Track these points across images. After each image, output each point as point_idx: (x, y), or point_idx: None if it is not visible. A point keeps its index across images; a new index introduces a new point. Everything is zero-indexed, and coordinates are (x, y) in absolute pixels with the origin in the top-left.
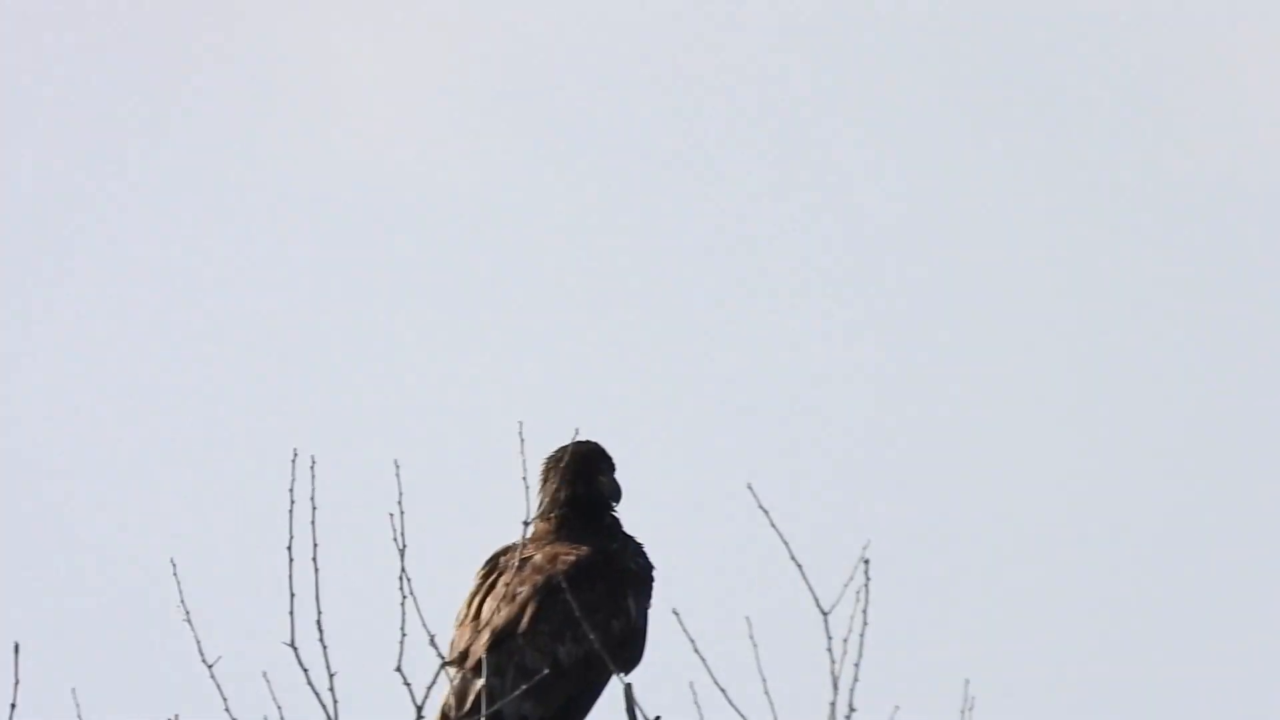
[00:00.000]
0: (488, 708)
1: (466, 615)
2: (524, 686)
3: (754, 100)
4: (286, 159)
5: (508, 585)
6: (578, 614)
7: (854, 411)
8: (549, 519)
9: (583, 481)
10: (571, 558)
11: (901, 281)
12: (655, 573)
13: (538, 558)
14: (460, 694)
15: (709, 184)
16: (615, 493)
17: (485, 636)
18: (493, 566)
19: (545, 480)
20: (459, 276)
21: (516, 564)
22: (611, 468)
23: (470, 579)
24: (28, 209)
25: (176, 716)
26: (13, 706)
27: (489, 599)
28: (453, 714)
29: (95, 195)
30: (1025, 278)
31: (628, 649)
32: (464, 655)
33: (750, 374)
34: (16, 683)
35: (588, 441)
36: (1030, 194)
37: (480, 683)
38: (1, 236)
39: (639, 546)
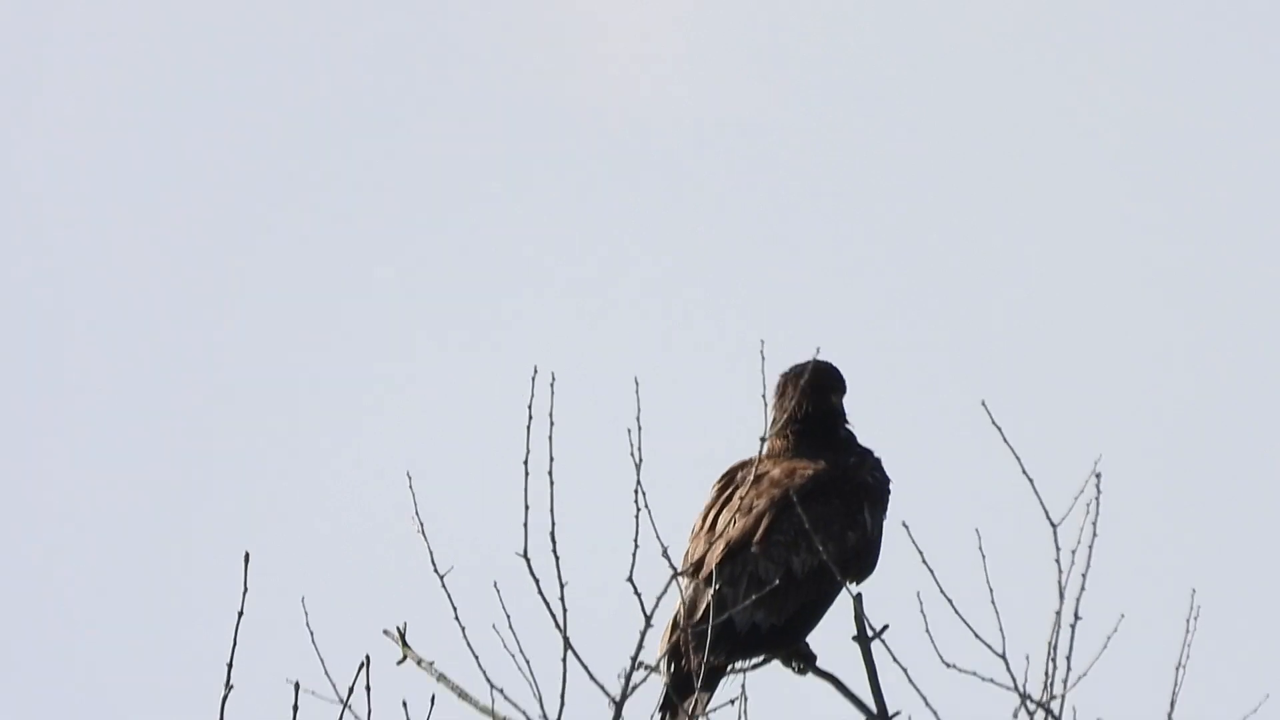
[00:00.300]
0: (719, 615)
1: (702, 527)
2: (755, 595)
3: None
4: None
5: (744, 498)
6: (808, 527)
7: (1087, 327)
8: (785, 435)
9: (819, 398)
10: (809, 471)
11: (1125, 192)
12: (891, 488)
13: (775, 472)
14: (692, 603)
15: (946, 91)
16: (843, 414)
17: (720, 547)
18: (729, 480)
19: (781, 396)
20: (702, 192)
21: (753, 478)
22: (844, 390)
23: (707, 493)
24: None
25: (405, 624)
26: (240, 614)
27: (725, 511)
28: (683, 623)
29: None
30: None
31: (861, 560)
32: (698, 566)
33: (983, 291)
34: (245, 591)
35: (824, 361)
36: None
37: (712, 591)
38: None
39: (877, 460)
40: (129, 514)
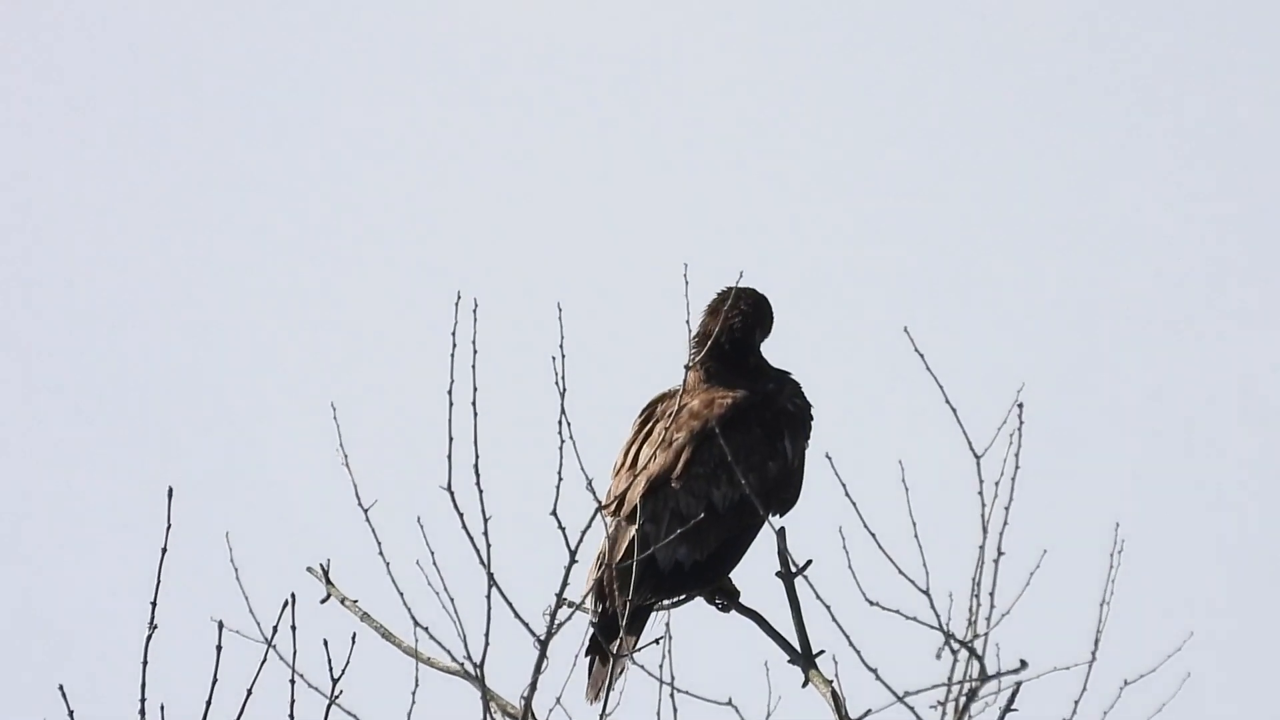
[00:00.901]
0: (641, 553)
1: (623, 464)
2: (678, 531)
3: None
4: None
5: (664, 432)
6: (730, 458)
7: (1010, 254)
8: (701, 366)
9: (745, 330)
10: (728, 400)
11: (1043, 122)
12: (812, 413)
13: (694, 403)
14: (614, 541)
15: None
16: (758, 348)
17: (641, 483)
18: (649, 415)
19: (706, 324)
20: (629, 111)
21: (673, 411)
22: (769, 328)
23: (627, 429)
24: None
25: (328, 561)
26: (164, 551)
27: (645, 446)
28: (606, 562)
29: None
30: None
31: (784, 490)
32: (620, 503)
33: (907, 216)
34: (169, 526)
35: (756, 293)
36: None
37: (634, 528)
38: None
39: (797, 386)
40: (52, 447)
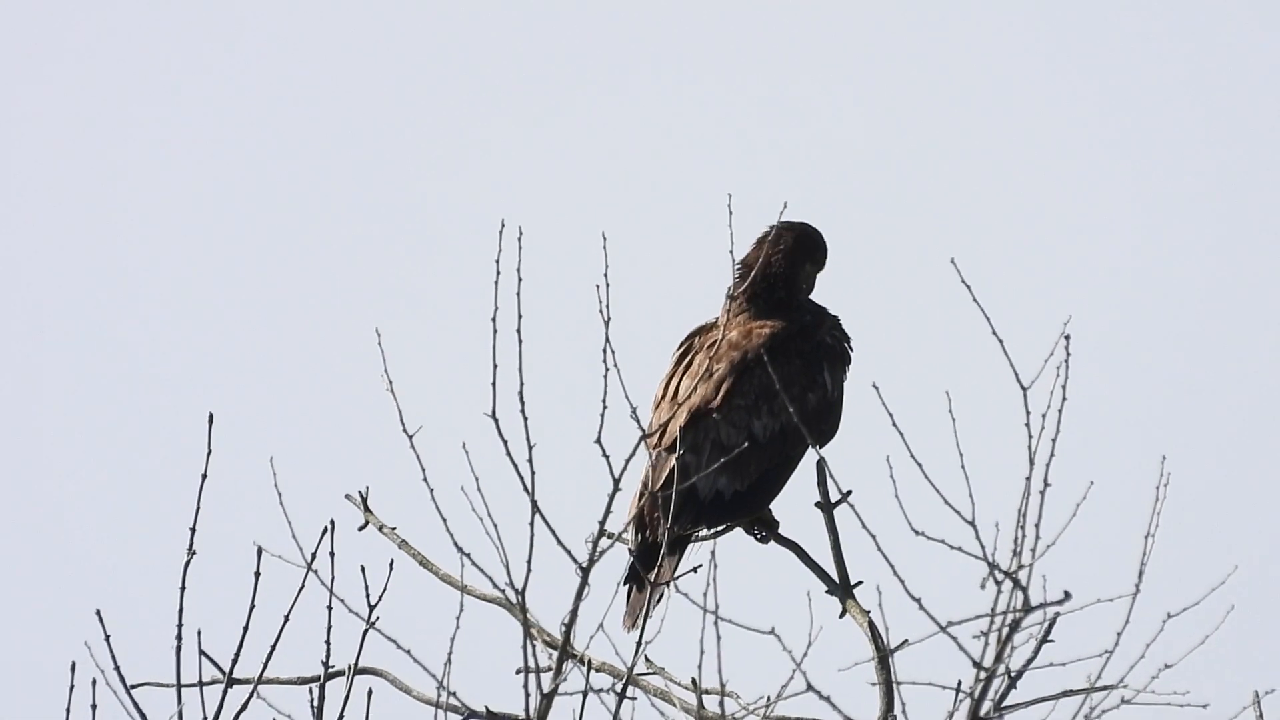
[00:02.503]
0: (682, 483)
1: (663, 396)
2: (720, 461)
3: None
4: None
5: (704, 363)
6: (778, 387)
7: (1059, 188)
8: (741, 296)
9: (794, 263)
10: (766, 331)
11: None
12: (852, 345)
13: (732, 334)
14: (655, 471)
15: None
16: (810, 286)
17: (682, 414)
18: (688, 347)
19: (756, 252)
20: (670, 43)
21: (713, 342)
22: (823, 264)
23: (667, 361)
24: None
25: (367, 487)
26: (204, 476)
27: (685, 378)
28: (647, 492)
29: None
30: None
31: (823, 422)
32: (661, 433)
33: (953, 148)
34: (209, 452)
35: (802, 225)
36: None
37: (675, 458)
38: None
39: (835, 320)
40: (92, 376)
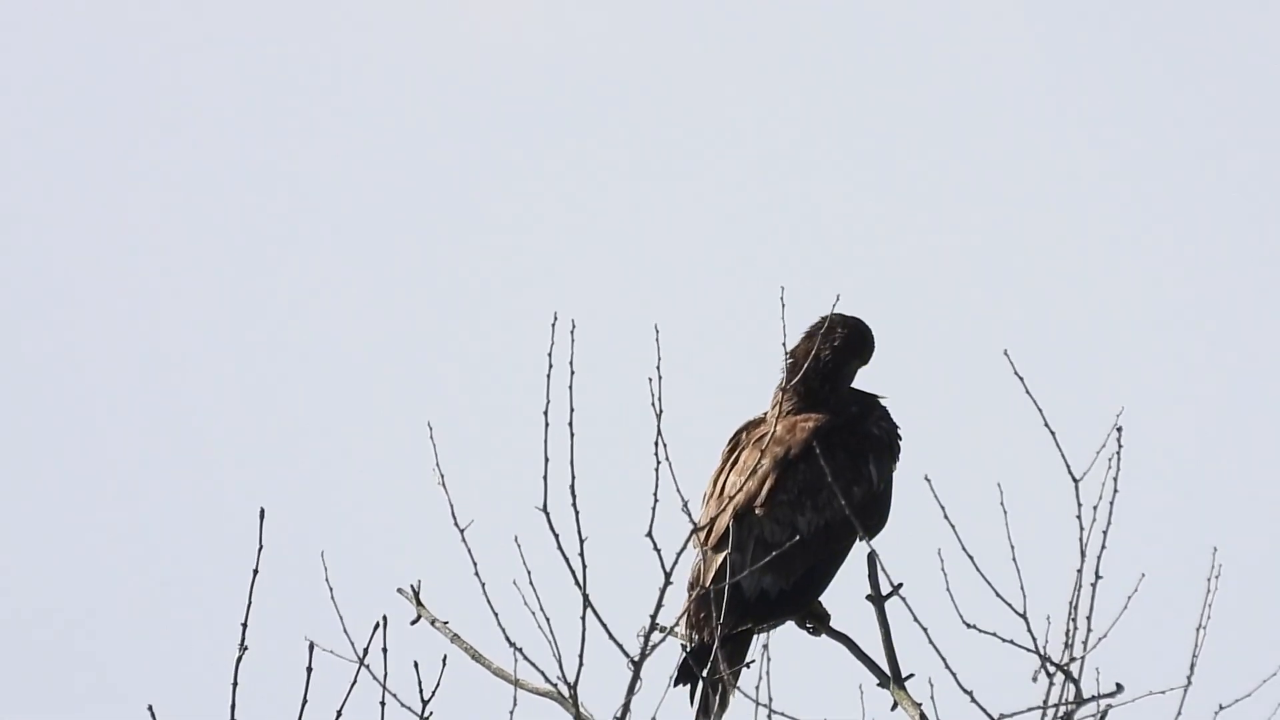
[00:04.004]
0: (728, 581)
1: (712, 492)
2: (763, 560)
3: None
4: None
5: (751, 458)
6: (827, 480)
7: (1111, 278)
8: (792, 390)
9: (842, 358)
10: (810, 425)
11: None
12: (901, 435)
13: (778, 429)
14: (703, 569)
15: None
16: (851, 379)
17: (728, 511)
18: (737, 442)
19: (805, 346)
20: (724, 138)
21: (759, 437)
22: (869, 359)
23: (717, 458)
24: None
25: (419, 581)
26: (255, 572)
27: (733, 474)
28: (695, 592)
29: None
30: None
31: (870, 515)
32: (709, 530)
33: (1007, 240)
34: (260, 547)
35: (853, 320)
36: None
37: (721, 558)
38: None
39: (884, 410)
40: (142, 470)
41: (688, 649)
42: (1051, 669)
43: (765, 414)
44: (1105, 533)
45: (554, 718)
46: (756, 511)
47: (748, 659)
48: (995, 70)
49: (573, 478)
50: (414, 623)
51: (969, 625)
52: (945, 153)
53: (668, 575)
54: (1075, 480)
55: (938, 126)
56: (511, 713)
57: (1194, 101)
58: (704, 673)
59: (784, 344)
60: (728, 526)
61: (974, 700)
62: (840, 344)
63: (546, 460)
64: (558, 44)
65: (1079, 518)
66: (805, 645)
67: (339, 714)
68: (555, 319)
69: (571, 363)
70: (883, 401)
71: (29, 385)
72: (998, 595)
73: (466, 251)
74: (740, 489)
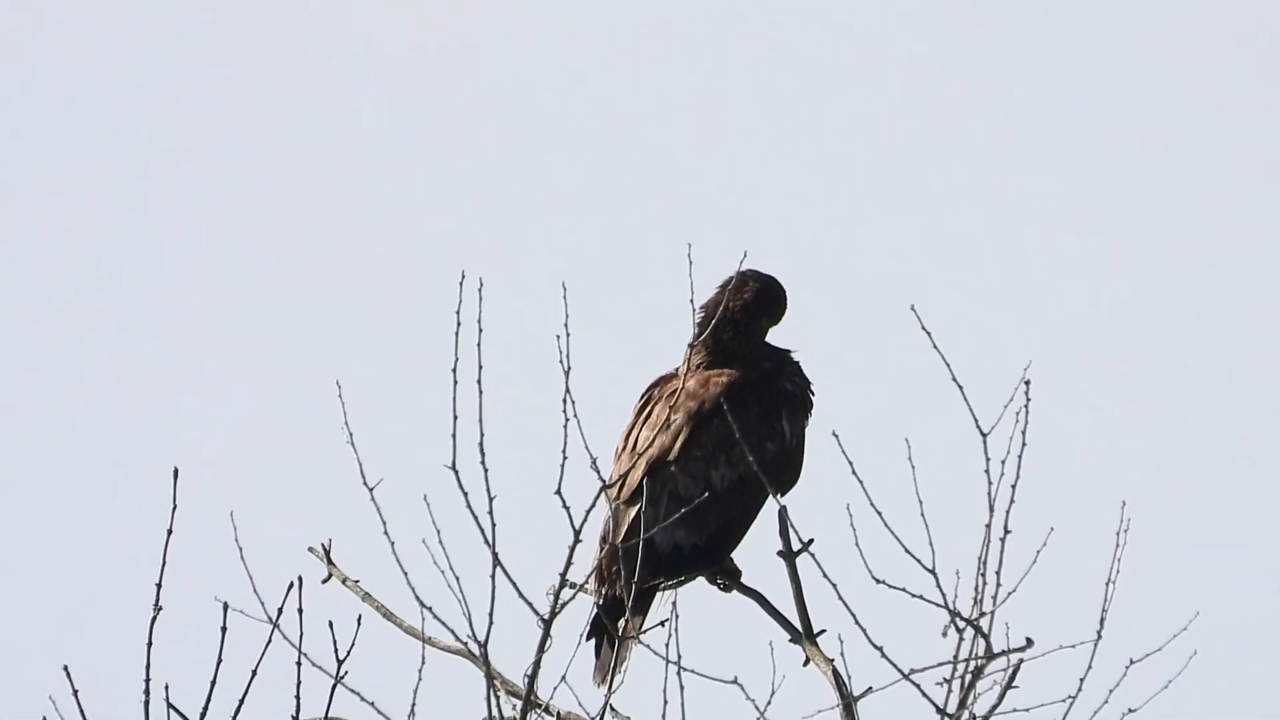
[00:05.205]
0: (640, 536)
1: (624, 448)
2: (678, 514)
3: None
4: None
5: (663, 414)
6: (738, 437)
7: (1016, 231)
8: (701, 346)
9: (751, 316)
10: (723, 380)
11: (1054, 107)
12: (813, 391)
13: (690, 384)
14: (615, 524)
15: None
16: (762, 336)
17: (641, 466)
18: (649, 398)
19: (715, 303)
20: (632, 91)
21: (671, 392)
22: (779, 319)
23: (628, 413)
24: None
25: (330, 540)
26: (169, 532)
27: (644, 429)
28: (607, 546)
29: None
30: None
31: (782, 471)
32: (621, 485)
33: (913, 193)
34: (174, 508)
35: (765, 277)
36: None
37: (634, 511)
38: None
39: (797, 365)
40: (56, 429)
41: (599, 604)
42: (961, 624)
43: (676, 370)
44: (1014, 487)
45: (466, 676)
46: (670, 467)
47: (657, 617)
48: (895, 22)
49: (481, 436)
50: (325, 581)
51: (879, 581)
52: (851, 106)
53: (577, 533)
54: (983, 434)
55: (843, 78)
56: (420, 670)
57: (1085, 45)
58: (616, 627)
59: (691, 301)
60: (641, 480)
61: (884, 655)
62: (751, 299)
63: (455, 418)
64: None
65: (987, 472)
66: (716, 602)
67: (253, 673)
68: (463, 277)
69: (479, 320)
70: (794, 357)
71: None
72: (906, 551)
73: (374, 209)
74: (653, 443)
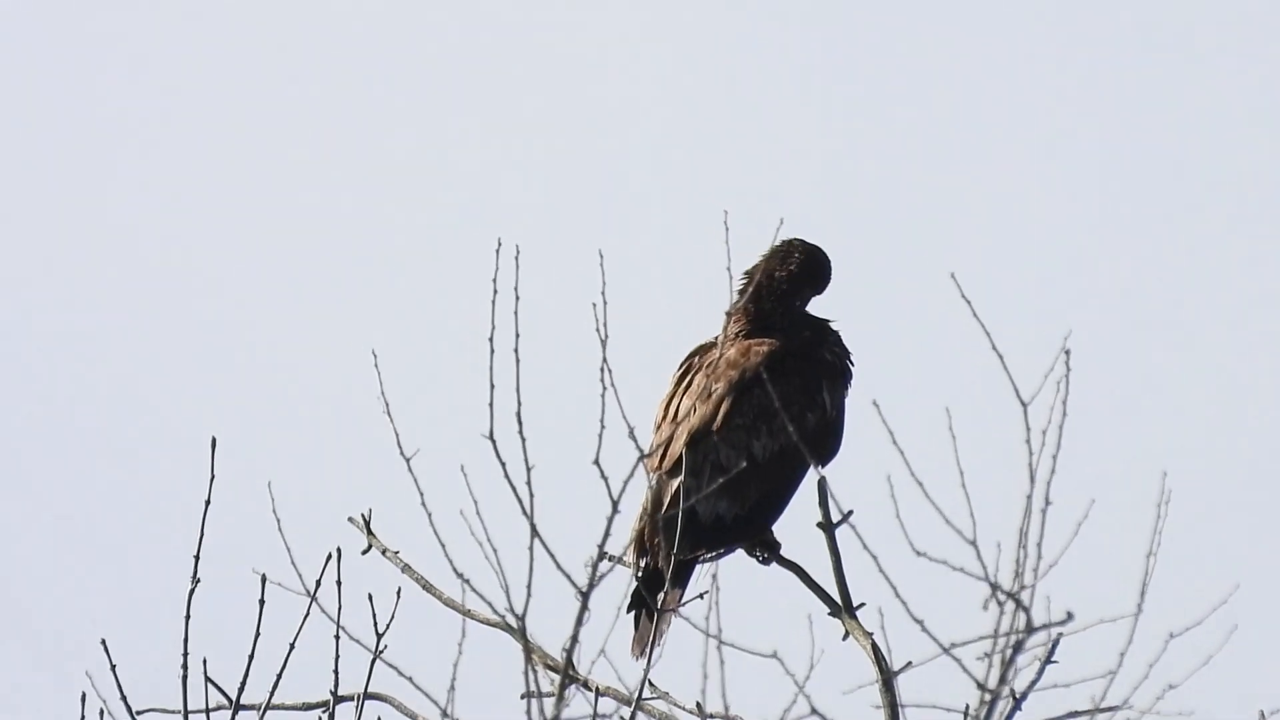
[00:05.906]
0: (682, 506)
1: (663, 417)
2: (718, 482)
3: None
4: None
5: (703, 383)
6: (777, 406)
7: (1060, 199)
8: (741, 314)
9: (795, 286)
10: (764, 350)
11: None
12: (853, 361)
13: (730, 353)
14: (657, 495)
15: None
16: (804, 305)
17: (682, 435)
18: (689, 366)
19: (758, 271)
20: (666, 58)
21: (712, 361)
22: (823, 290)
23: (667, 382)
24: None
25: (370, 511)
26: (207, 503)
27: (685, 398)
28: (648, 516)
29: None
30: None
31: (823, 442)
32: (661, 455)
33: (955, 163)
34: (212, 478)
35: (811, 247)
36: None
37: (676, 482)
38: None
39: (837, 335)
40: (91, 402)
41: (639, 576)
42: (1002, 597)
43: (715, 338)
44: (1055, 458)
45: (505, 648)
46: (712, 436)
47: (696, 590)
48: None
49: (519, 405)
50: (365, 552)
51: (919, 553)
52: (893, 74)
53: (615, 504)
54: (1024, 404)
55: (885, 44)
56: (460, 644)
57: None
58: (657, 599)
59: (728, 269)
60: (682, 451)
61: (924, 629)
62: (796, 268)
63: (492, 387)
64: None
65: (1028, 442)
66: (755, 575)
67: (291, 646)
68: (500, 244)
69: (516, 289)
70: (833, 326)
71: None
72: (947, 522)
73: (410, 178)
74: (694, 412)
